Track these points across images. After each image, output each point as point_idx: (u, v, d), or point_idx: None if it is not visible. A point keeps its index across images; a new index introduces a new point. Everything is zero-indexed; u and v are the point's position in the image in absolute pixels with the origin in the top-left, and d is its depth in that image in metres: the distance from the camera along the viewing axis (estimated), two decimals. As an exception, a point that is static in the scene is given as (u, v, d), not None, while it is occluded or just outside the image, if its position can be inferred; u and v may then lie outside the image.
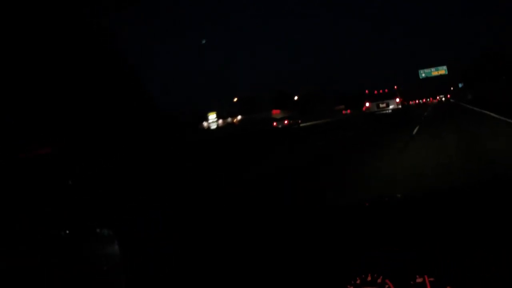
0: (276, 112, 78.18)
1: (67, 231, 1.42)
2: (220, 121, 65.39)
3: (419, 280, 1.10)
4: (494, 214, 1.19)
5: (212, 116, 66.70)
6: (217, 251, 1.08)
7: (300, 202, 5.46)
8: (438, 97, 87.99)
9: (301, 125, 43.98)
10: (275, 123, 44.08)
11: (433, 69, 52.83)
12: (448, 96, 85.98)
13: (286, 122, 43.49)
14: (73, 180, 0.97)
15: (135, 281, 1.03)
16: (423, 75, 52.81)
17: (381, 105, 26.60)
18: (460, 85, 78.17)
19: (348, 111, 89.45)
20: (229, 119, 69.44)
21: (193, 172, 1.08)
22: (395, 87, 27.22)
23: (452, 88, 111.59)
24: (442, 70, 52.97)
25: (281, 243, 1.29)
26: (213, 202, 1.18)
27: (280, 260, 1.22)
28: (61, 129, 0.87)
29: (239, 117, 69.88)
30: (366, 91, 28.12)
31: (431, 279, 1.09)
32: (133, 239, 0.99)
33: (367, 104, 27.31)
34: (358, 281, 1.16)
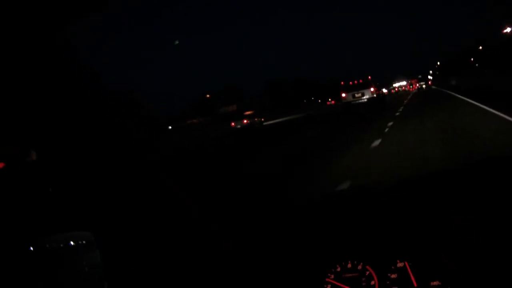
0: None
1: (50, 235, 1.39)
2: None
3: (399, 265, 1.09)
4: (472, 198, 1.18)
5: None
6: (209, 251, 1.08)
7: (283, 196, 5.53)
8: (418, 84, 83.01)
9: (264, 123, 38.43)
10: (233, 123, 38.14)
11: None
12: (430, 82, 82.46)
13: (245, 121, 37.55)
14: (54, 187, 0.99)
15: (118, 283, 1.02)
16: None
17: (356, 95, 27.61)
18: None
19: (333, 102, 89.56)
20: None
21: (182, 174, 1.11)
22: (369, 77, 28.20)
23: (431, 72, 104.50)
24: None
25: (263, 236, 1.31)
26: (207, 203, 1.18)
27: (261, 252, 1.23)
28: (41, 135, 0.88)
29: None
30: (342, 83, 29.06)
31: (410, 263, 1.08)
32: (114, 242, 0.98)
33: (343, 95, 28.30)
34: (338, 269, 1.15)
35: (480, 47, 65.30)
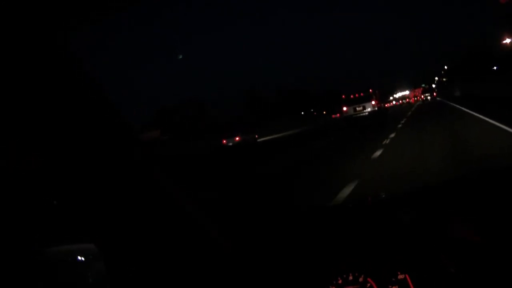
0: None
1: (57, 246, 1.57)
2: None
3: (400, 277, 1.09)
4: (475, 209, 1.16)
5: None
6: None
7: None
8: (423, 96, 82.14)
9: (258, 140, 35.72)
10: (224, 141, 34.77)
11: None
12: (435, 94, 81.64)
13: (237, 138, 34.05)
14: (58, 199, 0.96)
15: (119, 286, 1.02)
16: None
17: (357, 109, 27.16)
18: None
19: (337, 115, 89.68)
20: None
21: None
22: (370, 90, 27.73)
23: (436, 79, 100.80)
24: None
25: (264, 244, 1.29)
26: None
27: (262, 261, 1.22)
28: (42, 143, 0.87)
29: None
30: (343, 96, 28.62)
31: (411, 275, 1.08)
32: (118, 252, 0.98)
33: (344, 109, 27.83)
34: (340, 281, 1.16)
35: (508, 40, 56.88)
